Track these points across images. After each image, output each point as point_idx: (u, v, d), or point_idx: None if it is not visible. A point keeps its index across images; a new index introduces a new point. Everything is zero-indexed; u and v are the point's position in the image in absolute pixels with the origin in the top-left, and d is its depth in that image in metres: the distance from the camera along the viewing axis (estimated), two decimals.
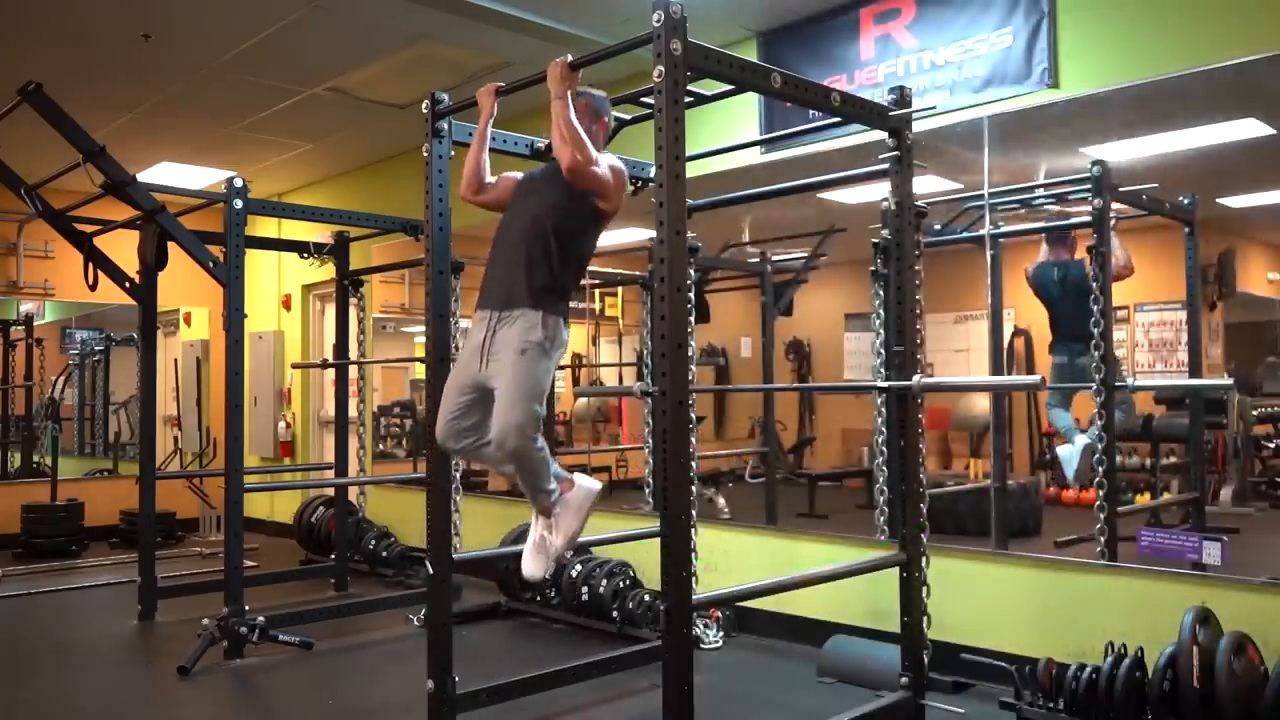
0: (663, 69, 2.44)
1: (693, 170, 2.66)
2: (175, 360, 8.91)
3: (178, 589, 5.50)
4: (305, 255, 5.72)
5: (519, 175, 3.30)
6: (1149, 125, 3.92)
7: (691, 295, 2.86)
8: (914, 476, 3.22)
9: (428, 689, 3.23)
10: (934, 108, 3.75)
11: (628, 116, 3.73)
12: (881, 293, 4.42)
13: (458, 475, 4.76)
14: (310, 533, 6.76)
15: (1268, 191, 4.15)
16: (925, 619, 3.22)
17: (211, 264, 4.69)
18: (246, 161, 7.29)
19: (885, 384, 3.49)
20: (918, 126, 3.39)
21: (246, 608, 4.57)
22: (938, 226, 4.48)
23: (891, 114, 3.25)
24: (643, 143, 2.84)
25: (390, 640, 4.91)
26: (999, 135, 4.14)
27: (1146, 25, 3.68)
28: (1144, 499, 4.60)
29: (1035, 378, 3.56)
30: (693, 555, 2.89)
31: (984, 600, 3.98)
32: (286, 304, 8.48)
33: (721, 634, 4.65)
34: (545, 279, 3.04)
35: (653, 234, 2.47)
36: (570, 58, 2.88)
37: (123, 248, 5.42)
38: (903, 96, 3.29)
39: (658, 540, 2.47)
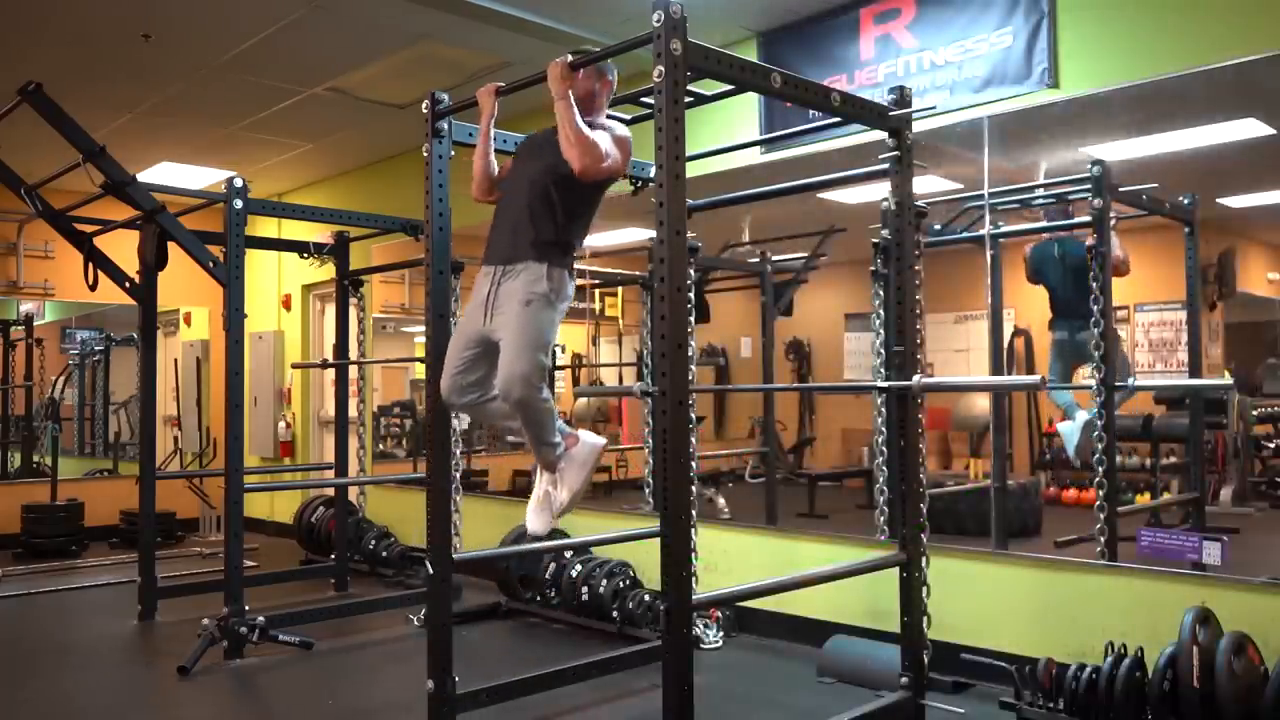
0: (663, 69, 2.44)
1: (693, 170, 2.66)
2: (175, 360, 8.91)
3: (178, 589, 5.50)
4: (305, 255, 5.72)
5: None
6: (1149, 125, 3.92)
7: (691, 295, 2.86)
8: (914, 476, 3.23)
9: (428, 689, 3.23)
10: (934, 108, 3.75)
11: (628, 116, 3.72)
12: (881, 293, 4.41)
13: (458, 475, 4.75)
14: (310, 533, 6.75)
15: (1268, 191, 4.15)
16: (925, 619, 3.22)
17: (211, 264, 4.69)
18: (246, 161, 7.29)
19: (885, 384, 3.49)
20: (918, 126, 3.39)
21: (246, 608, 4.57)
22: (938, 226, 4.48)
23: (891, 114, 3.26)
24: (643, 143, 2.85)
25: (390, 640, 4.91)
26: (999, 135, 4.14)
27: (1146, 25, 3.68)
28: (1144, 499, 4.60)
29: (1035, 378, 3.56)
30: (693, 555, 2.89)
31: (984, 600, 3.98)
32: (286, 304, 8.47)
33: (721, 634, 4.65)
34: (550, 233, 3.04)
35: (653, 234, 2.47)
36: (570, 58, 2.88)
37: (123, 248, 5.42)
38: (903, 96, 3.29)
39: (658, 540, 2.47)
